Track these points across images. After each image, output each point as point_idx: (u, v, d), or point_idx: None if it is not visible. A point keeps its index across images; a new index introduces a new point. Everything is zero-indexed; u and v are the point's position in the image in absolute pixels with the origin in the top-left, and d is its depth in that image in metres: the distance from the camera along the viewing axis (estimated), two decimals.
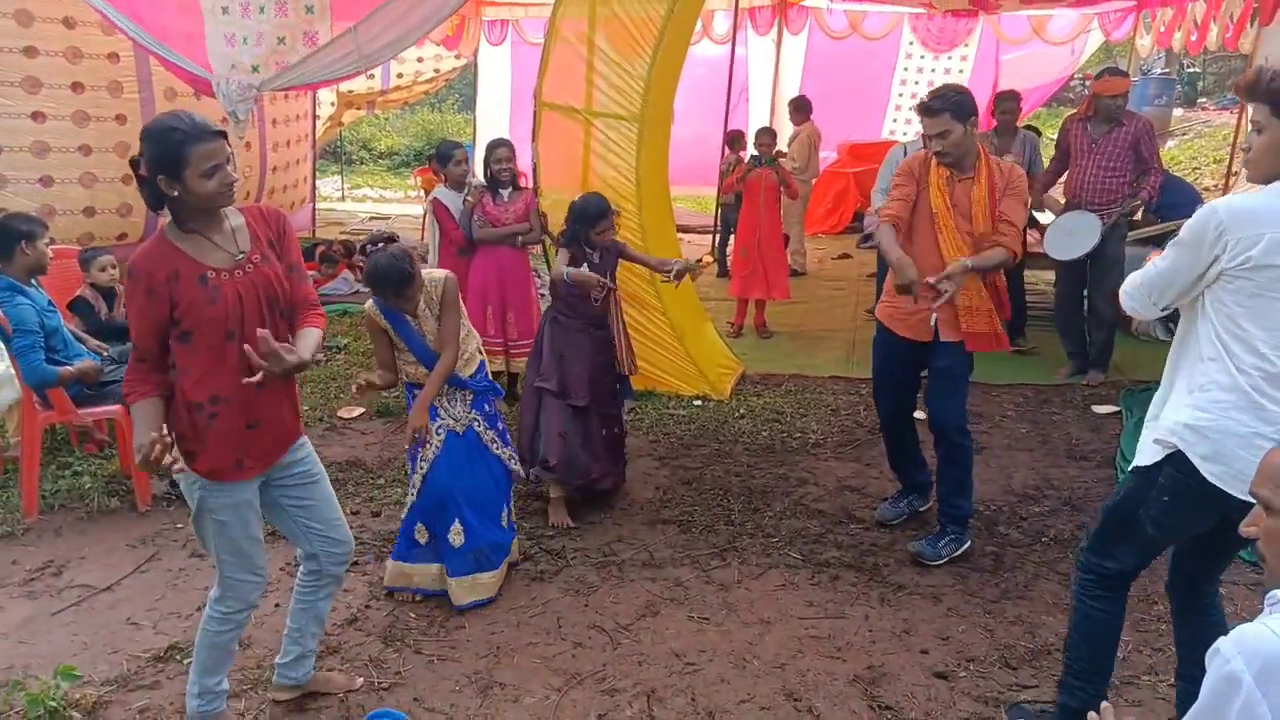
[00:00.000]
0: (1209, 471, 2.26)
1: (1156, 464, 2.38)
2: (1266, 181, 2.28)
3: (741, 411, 5.63)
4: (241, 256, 2.41)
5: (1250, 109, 2.30)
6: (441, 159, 5.63)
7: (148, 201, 2.34)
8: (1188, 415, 2.31)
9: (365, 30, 6.34)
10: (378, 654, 3.17)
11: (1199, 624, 2.58)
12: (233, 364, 2.37)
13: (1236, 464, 2.23)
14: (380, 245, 3.21)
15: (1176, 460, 2.32)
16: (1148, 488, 2.40)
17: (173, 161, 2.24)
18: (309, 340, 2.47)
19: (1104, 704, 1.69)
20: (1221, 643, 1.35)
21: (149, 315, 2.34)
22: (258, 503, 2.57)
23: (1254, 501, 2.24)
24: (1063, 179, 6.23)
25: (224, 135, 2.32)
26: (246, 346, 2.27)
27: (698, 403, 5.75)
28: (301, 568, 2.81)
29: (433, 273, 3.35)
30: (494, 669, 3.10)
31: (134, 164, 2.31)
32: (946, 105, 3.49)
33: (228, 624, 2.60)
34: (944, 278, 3.40)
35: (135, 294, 2.33)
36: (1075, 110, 6.21)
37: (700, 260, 4.30)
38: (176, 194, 2.29)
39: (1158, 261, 2.41)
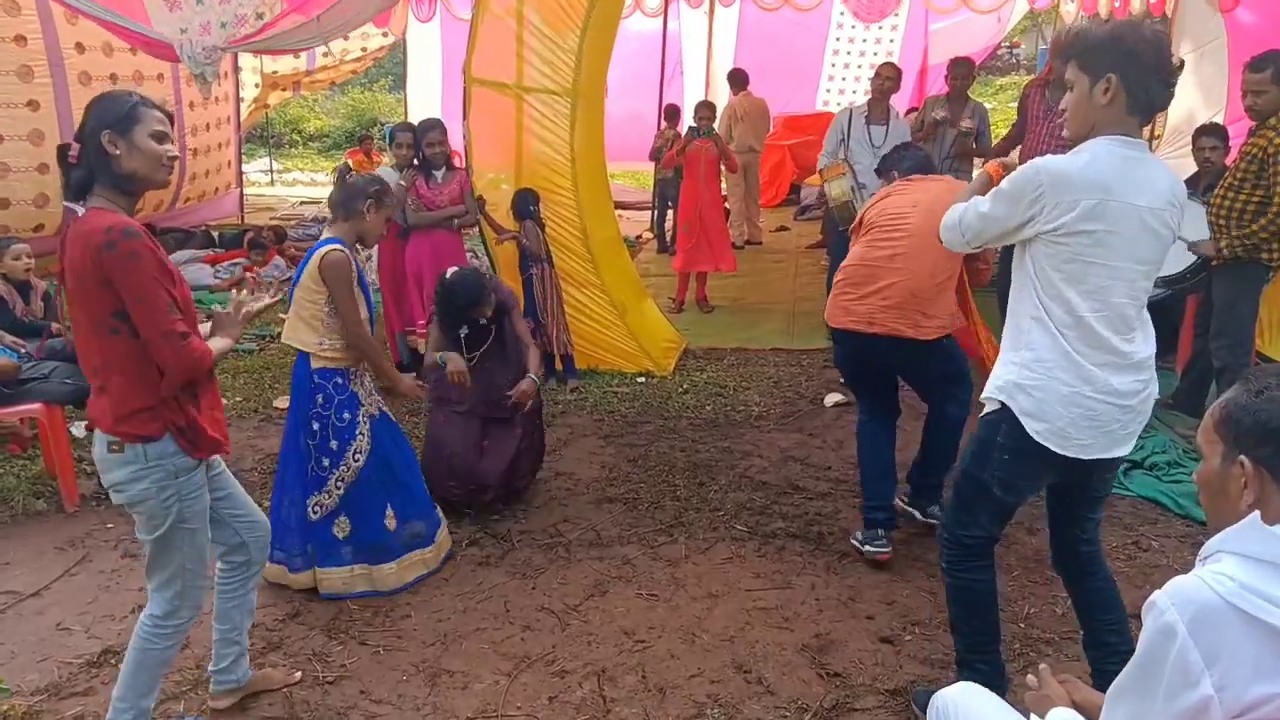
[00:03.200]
0: (1032, 429, 2.31)
1: (995, 423, 2.40)
2: (1081, 138, 2.31)
3: (685, 387, 5.63)
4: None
5: (1066, 71, 2.31)
6: (389, 139, 5.61)
7: (72, 187, 2.24)
8: (1015, 373, 2.35)
9: (325, 18, 6.28)
10: (321, 647, 3.11)
11: (1089, 588, 2.64)
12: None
13: (1059, 421, 2.28)
14: (349, 168, 3.26)
15: (1009, 417, 2.35)
16: (990, 450, 2.43)
17: (125, 118, 2.20)
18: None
19: (1041, 666, 1.72)
20: (1156, 595, 1.37)
21: (168, 276, 2.24)
22: None
23: (1081, 459, 2.30)
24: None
25: (172, 123, 2.32)
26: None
27: (641, 380, 5.74)
28: (220, 564, 2.70)
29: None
30: (442, 657, 3.06)
31: (62, 150, 2.23)
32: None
33: (179, 635, 2.50)
34: None
35: (157, 260, 2.20)
36: (1036, 77, 6.30)
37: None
38: (118, 153, 2.19)
39: (979, 203, 2.41)
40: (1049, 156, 2.31)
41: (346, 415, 3.26)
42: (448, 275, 3.99)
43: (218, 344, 2.41)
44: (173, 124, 2.31)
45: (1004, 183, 2.34)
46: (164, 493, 2.32)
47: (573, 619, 3.26)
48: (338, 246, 3.13)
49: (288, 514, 3.37)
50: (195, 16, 6.21)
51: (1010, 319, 2.42)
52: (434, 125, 5.33)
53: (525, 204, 5.46)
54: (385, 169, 5.51)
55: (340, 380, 3.25)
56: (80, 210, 2.25)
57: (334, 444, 3.27)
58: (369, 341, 3.24)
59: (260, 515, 2.71)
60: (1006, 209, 2.31)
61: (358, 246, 3.29)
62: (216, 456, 2.54)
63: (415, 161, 5.36)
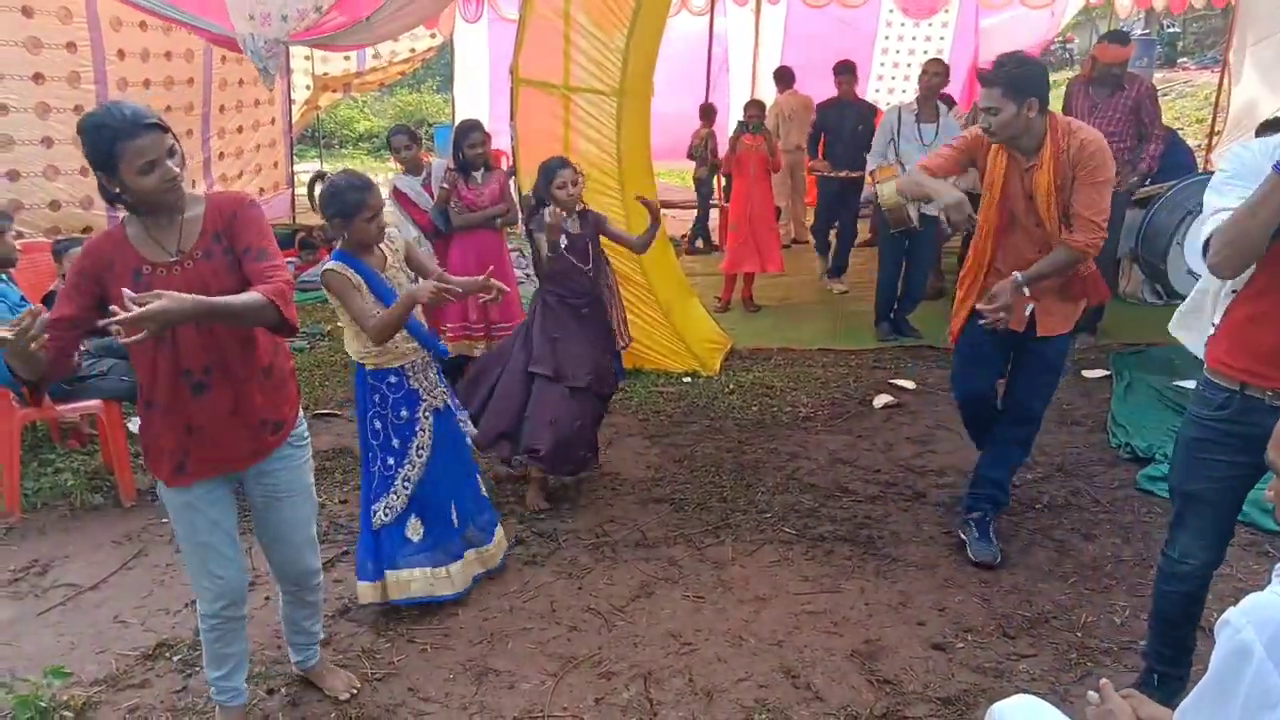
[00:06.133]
0: None
1: None
2: None
3: (731, 387, 5.59)
4: (175, 258, 2.28)
5: None
6: (389, 147, 5.61)
7: (101, 194, 2.27)
8: None
9: (378, 17, 6.35)
10: (370, 644, 3.13)
11: None
12: (163, 366, 2.29)
13: None
14: (323, 176, 3.02)
15: None
16: None
17: (105, 158, 2.14)
18: (242, 298, 2.18)
19: (1103, 680, 1.67)
20: (1231, 612, 1.31)
21: (71, 290, 2.26)
22: (216, 509, 2.47)
23: None
24: None
25: (162, 128, 2.19)
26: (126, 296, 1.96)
27: (687, 379, 5.71)
28: None
29: (392, 230, 3.16)
30: (488, 656, 3.06)
31: None
32: (998, 79, 3.08)
33: (205, 624, 2.55)
34: (992, 300, 3.15)
35: (72, 273, 2.28)
36: (1079, 73, 6.16)
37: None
38: (117, 190, 2.19)
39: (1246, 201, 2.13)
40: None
41: (405, 412, 3.22)
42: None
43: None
44: (166, 131, 2.19)
45: (1227, 171, 2.21)
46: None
47: (619, 620, 3.25)
48: (332, 265, 3.01)
49: (362, 524, 3.34)
50: (258, 6, 6.29)
51: None
52: (475, 127, 5.34)
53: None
54: (399, 176, 5.49)
55: (394, 379, 3.20)
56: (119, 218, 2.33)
57: (396, 442, 3.23)
58: (388, 324, 2.97)
59: (290, 557, 2.68)
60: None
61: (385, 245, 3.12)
62: (272, 479, 2.55)
63: (434, 161, 5.39)
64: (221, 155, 9.64)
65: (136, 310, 1.92)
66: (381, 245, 3.09)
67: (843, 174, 7.57)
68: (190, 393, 2.32)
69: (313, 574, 2.77)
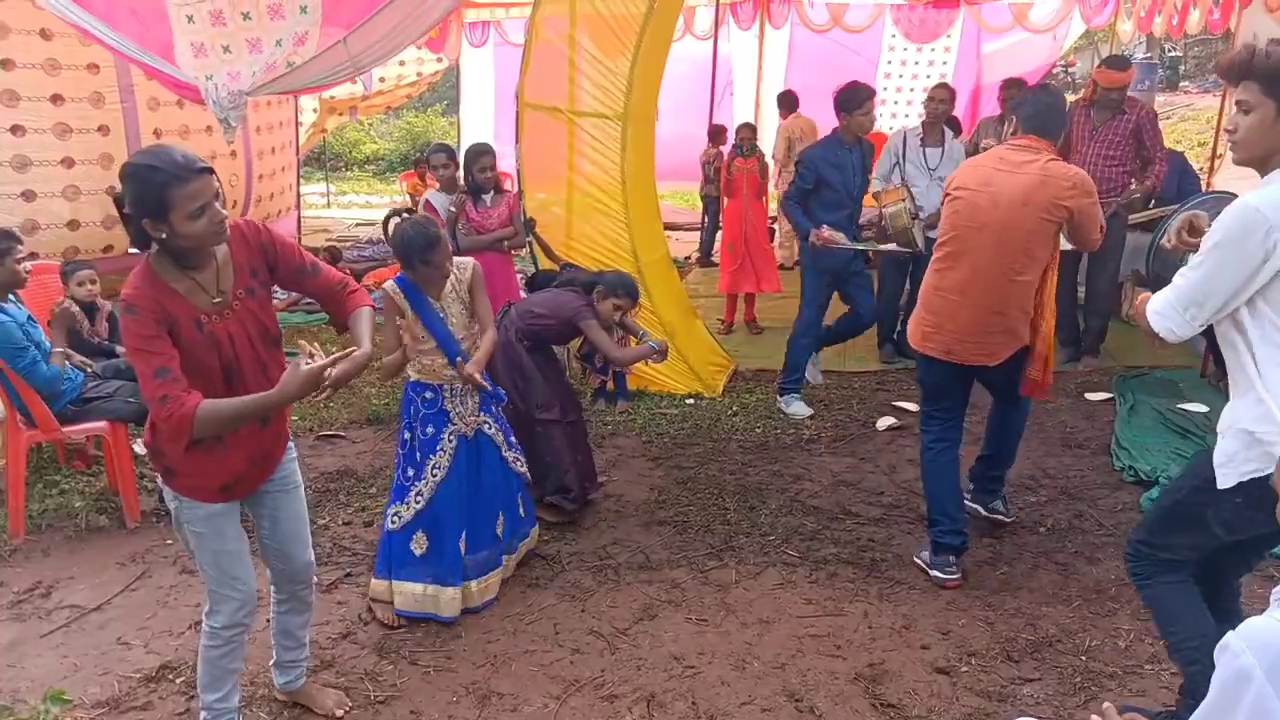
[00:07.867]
0: None
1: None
2: (1254, 163, 2.21)
3: (734, 409, 5.60)
4: (221, 299, 2.31)
5: (1237, 89, 2.20)
6: (428, 164, 5.68)
7: (132, 240, 2.23)
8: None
9: (355, 40, 6.26)
10: (373, 667, 3.13)
11: (1220, 620, 2.50)
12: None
13: None
14: (400, 215, 3.19)
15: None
16: (1230, 496, 2.27)
17: (156, 204, 2.12)
18: (365, 323, 2.45)
19: (1105, 704, 1.67)
20: (1230, 637, 1.32)
21: (160, 350, 2.18)
22: (237, 516, 2.53)
23: None
24: None
25: (210, 171, 2.20)
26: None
27: (690, 401, 5.72)
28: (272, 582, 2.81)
29: (461, 259, 3.36)
30: (491, 678, 3.06)
31: (117, 201, 2.21)
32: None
33: (217, 640, 2.55)
34: None
35: (145, 325, 2.17)
36: (1080, 97, 6.18)
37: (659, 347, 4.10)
38: (163, 236, 2.17)
39: (1187, 272, 2.22)
40: (1251, 194, 2.17)
41: (430, 429, 3.30)
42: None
43: (241, 401, 2.25)
44: (212, 173, 2.20)
45: (1212, 236, 2.17)
46: (168, 489, 2.45)
47: (622, 643, 3.25)
48: (387, 287, 3.24)
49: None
50: (223, 65, 6.19)
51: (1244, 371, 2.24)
52: (485, 151, 5.38)
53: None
54: (433, 193, 5.58)
55: (430, 395, 3.30)
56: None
57: (418, 454, 3.31)
58: (384, 370, 3.30)
59: (297, 552, 2.71)
60: (1233, 257, 2.13)
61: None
62: (281, 471, 2.60)
63: (463, 185, 5.44)
64: (260, 177, 9.69)
65: (334, 379, 2.21)
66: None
67: (858, 246, 5.44)
68: (260, 424, 2.41)
69: (313, 568, 2.81)
